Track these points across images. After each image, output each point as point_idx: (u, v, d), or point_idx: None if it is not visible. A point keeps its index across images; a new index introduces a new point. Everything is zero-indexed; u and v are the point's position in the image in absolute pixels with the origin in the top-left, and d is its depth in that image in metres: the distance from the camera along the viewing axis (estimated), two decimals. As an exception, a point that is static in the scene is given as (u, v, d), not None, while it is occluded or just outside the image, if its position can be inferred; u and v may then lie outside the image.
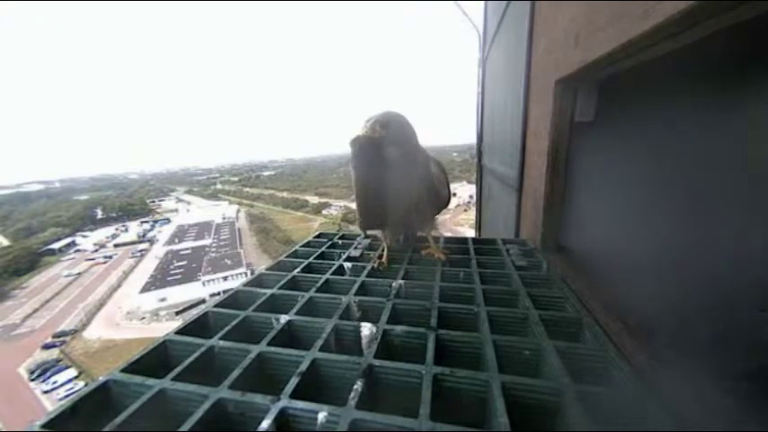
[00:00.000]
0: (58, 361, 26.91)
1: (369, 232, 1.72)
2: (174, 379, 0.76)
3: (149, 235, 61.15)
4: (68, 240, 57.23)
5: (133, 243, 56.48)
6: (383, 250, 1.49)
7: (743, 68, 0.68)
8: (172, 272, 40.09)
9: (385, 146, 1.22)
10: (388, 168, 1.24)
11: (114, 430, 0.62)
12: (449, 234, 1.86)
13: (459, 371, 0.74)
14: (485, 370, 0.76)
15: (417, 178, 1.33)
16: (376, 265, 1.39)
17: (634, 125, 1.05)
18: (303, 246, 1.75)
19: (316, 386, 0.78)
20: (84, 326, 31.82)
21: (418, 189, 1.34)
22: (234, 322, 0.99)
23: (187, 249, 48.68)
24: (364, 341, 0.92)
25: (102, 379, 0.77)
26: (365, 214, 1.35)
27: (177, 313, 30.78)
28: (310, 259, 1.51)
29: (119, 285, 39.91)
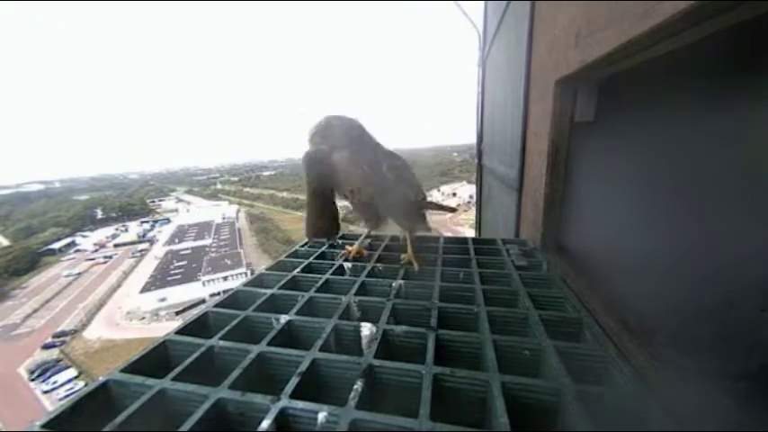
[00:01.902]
0: (58, 361, 26.92)
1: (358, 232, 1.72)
2: (174, 379, 0.76)
3: (149, 235, 61.15)
4: (68, 240, 57.25)
5: (133, 243, 56.49)
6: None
7: (743, 68, 0.68)
8: (172, 272, 40.10)
9: (333, 151, 1.28)
10: (341, 171, 1.29)
11: (114, 430, 0.62)
12: (449, 234, 1.85)
13: (459, 371, 0.74)
14: (485, 370, 0.76)
15: (372, 173, 1.31)
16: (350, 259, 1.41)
17: (634, 125, 1.05)
18: (303, 246, 1.74)
19: (316, 386, 0.78)
20: (84, 326, 31.83)
21: (376, 184, 1.32)
22: (234, 322, 0.99)
23: (187, 249, 48.68)
24: (364, 341, 0.92)
25: (102, 379, 0.77)
26: (318, 222, 1.41)
27: (177, 313, 30.78)
28: (310, 259, 1.51)
29: (119, 285, 39.92)
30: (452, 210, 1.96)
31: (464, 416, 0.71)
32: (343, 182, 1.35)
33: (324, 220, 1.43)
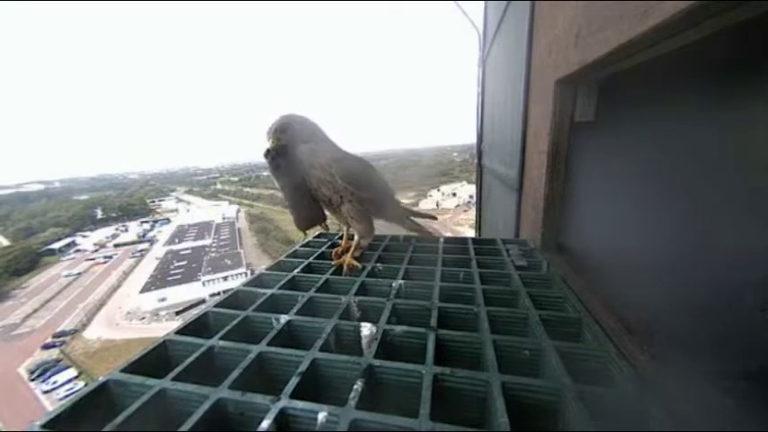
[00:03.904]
0: (58, 361, 26.94)
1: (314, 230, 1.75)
2: (174, 379, 0.76)
3: (149, 235, 61.21)
4: (68, 240, 57.29)
5: (133, 243, 56.55)
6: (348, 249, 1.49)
7: (743, 68, 0.68)
8: (172, 272, 40.09)
9: (295, 147, 1.33)
10: (303, 166, 1.34)
11: (114, 430, 0.62)
12: (449, 234, 1.86)
13: (460, 371, 0.74)
14: (485, 370, 0.76)
15: (323, 166, 1.33)
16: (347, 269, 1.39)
17: (634, 125, 1.05)
18: (303, 246, 1.74)
19: (316, 386, 0.78)
20: (84, 326, 31.84)
21: (328, 176, 1.33)
22: (234, 322, 0.99)
23: (187, 249, 48.68)
24: (364, 341, 0.92)
25: (102, 379, 0.77)
26: (302, 213, 1.46)
27: (177, 313, 30.79)
28: (310, 259, 1.51)
29: (119, 285, 39.95)
30: (433, 218, 1.95)
31: (464, 416, 0.71)
32: (305, 178, 1.38)
33: (309, 210, 1.45)
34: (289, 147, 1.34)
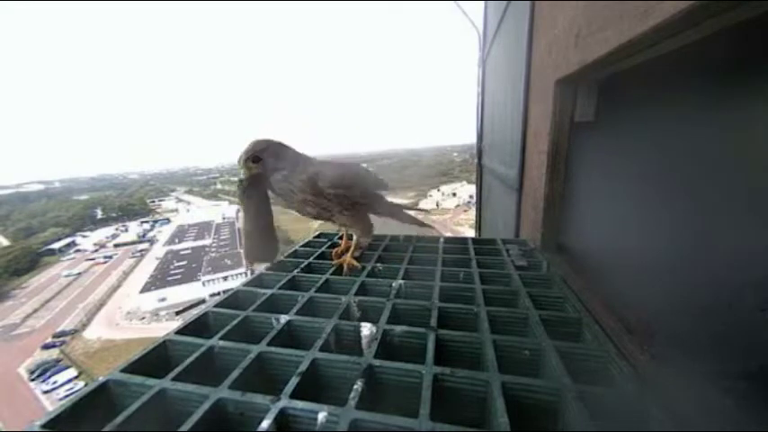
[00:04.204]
0: (58, 361, 26.94)
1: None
2: (174, 379, 0.76)
3: (149, 235, 61.22)
4: (68, 240, 57.32)
5: (133, 243, 56.57)
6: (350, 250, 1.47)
7: (743, 68, 0.68)
8: (172, 272, 40.09)
9: (269, 176, 1.29)
10: (280, 194, 1.32)
11: (114, 430, 0.62)
12: (449, 234, 1.85)
13: (460, 371, 0.74)
14: (485, 370, 0.76)
15: (302, 188, 1.30)
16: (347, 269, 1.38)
17: (634, 125, 1.05)
18: (303, 246, 1.75)
19: (316, 386, 0.78)
20: (84, 326, 31.85)
21: (310, 196, 1.31)
22: (234, 322, 0.99)
23: (187, 249, 48.70)
24: (364, 341, 0.92)
25: (102, 379, 0.77)
26: (256, 247, 1.39)
27: (177, 313, 30.79)
28: (310, 259, 1.51)
29: (119, 285, 39.95)
30: (426, 211, 1.96)
31: (464, 416, 0.71)
32: (286, 202, 1.36)
33: (267, 245, 1.41)
34: (262, 175, 1.29)
